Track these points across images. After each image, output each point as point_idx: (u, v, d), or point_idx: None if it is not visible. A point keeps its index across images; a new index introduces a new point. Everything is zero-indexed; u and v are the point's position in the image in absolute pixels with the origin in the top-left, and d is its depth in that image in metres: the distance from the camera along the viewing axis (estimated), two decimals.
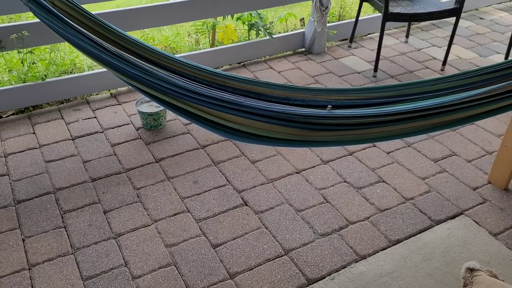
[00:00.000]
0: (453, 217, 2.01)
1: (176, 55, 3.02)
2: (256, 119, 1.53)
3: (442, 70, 3.24)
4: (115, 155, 2.35)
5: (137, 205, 2.04)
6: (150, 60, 1.73)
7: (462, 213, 2.03)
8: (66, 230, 1.91)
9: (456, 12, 3.02)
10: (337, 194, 2.12)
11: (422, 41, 3.68)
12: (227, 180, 2.19)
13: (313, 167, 2.29)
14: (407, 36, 3.68)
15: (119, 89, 2.90)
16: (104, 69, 2.85)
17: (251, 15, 3.25)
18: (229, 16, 3.15)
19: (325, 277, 1.73)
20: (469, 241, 1.88)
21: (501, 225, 1.96)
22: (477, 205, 2.07)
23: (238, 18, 3.29)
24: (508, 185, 2.17)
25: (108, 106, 2.75)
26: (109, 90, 2.88)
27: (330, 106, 1.60)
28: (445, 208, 2.05)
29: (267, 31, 3.15)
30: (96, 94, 2.86)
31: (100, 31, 1.73)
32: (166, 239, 1.88)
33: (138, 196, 2.09)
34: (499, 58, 3.39)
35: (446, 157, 2.37)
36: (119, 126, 2.57)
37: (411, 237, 1.90)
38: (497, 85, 1.40)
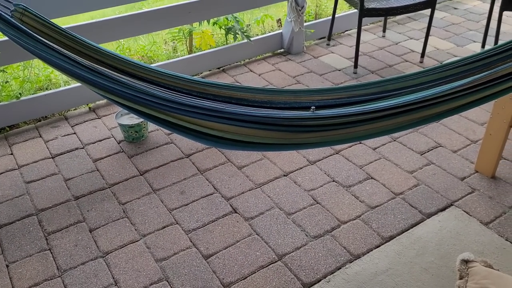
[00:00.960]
0: (444, 209, 2.00)
1: (153, 64, 2.98)
2: (239, 125, 1.49)
3: (421, 62, 3.25)
4: (97, 170, 2.29)
5: (124, 220, 1.99)
6: (126, 72, 1.69)
7: (452, 205, 2.02)
8: (51, 252, 1.85)
9: (430, 3, 3.04)
10: (326, 194, 2.10)
11: (399, 34, 3.70)
12: (215, 188, 2.15)
13: (301, 168, 2.26)
14: (384, 31, 3.69)
15: (97, 102, 2.84)
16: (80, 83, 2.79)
17: (227, 19, 3.22)
18: (205, 21, 3.11)
19: (320, 280, 1.70)
20: (461, 232, 1.87)
21: (492, 214, 1.96)
22: (466, 195, 2.06)
23: (214, 23, 3.25)
24: (495, 173, 2.17)
25: (87, 121, 2.68)
26: (87, 104, 2.82)
27: (314, 107, 1.57)
28: (435, 200, 2.04)
29: (245, 34, 3.12)
30: (74, 109, 2.79)
31: (72, 45, 1.68)
32: (156, 253, 1.83)
33: (124, 212, 2.04)
34: (476, 47, 3.42)
35: (432, 149, 2.37)
36: (100, 141, 2.51)
37: (403, 232, 1.89)
38: (479, 75, 1.40)
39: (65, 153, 2.42)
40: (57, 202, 2.09)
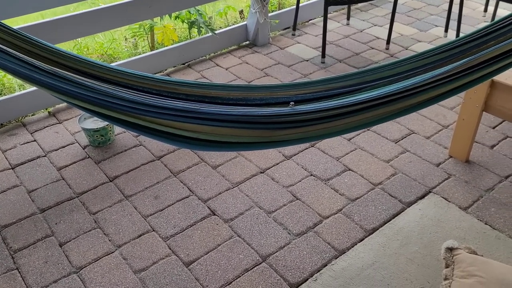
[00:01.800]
0: (422, 196, 2.00)
1: (115, 63, 2.84)
2: (214, 124, 1.42)
3: (387, 49, 3.25)
4: (63, 179, 2.15)
5: (96, 231, 1.88)
6: (89, 74, 1.57)
7: (430, 192, 2.02)
8: (19, 272, 1.72)
9: None
10: (305, 189, 2.06)
11: (363, 21, 3.69)
12: (190, 191, 2.07)
13: (277, 164, 2.21)
14: (348, 18, 3.67)
15: (57, 106, 2.68)
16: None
17: (190, 12, 3.10)
18: (167, 16, 2.99)
19: (307, 279, 1.66)
20: (442, 219, 1.87)
21: (469, 198, 1.98)
22: (443, 181, 2.07)
23: (176, 17, 3.13)
24: (469, 157, 2.19)
25: (47, 127, 2.52)
26: (46, 109, 2.65)
27: (293, 102, 1.52)
28: (413, 188, 2.04)
29: (209, 27, 3.02)
30: (32, 115, 2.63)
31: (28, 48, 1.55)
32: (134, 264, 1.74)
33: (95, 222, 1.92)
34: (439, 31, 3.46)
35: (405, 137, 2.37)
36: (63, 147, 2.37)
37: (385, 223, 1.88)
38: (458, 63, 1.37)
39: (26, 163, 2.26)
40: (22, 216, 1.96)
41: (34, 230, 1.89)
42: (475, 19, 3.64)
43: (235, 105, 1.58)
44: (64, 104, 2.69)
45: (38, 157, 2.30)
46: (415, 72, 1.52)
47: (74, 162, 2.26)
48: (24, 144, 2.39)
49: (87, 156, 2.30)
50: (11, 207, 2.00)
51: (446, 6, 3.90)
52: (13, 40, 1.52)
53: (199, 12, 3.07)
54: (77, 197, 2.05)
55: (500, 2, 3.46)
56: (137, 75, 1.57)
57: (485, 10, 3.68)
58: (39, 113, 2.64)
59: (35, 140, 2.42)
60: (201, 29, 3.01)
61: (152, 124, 1.41)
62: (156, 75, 1.54)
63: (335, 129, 1.45)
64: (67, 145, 2.38)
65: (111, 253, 1.79)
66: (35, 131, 2.49)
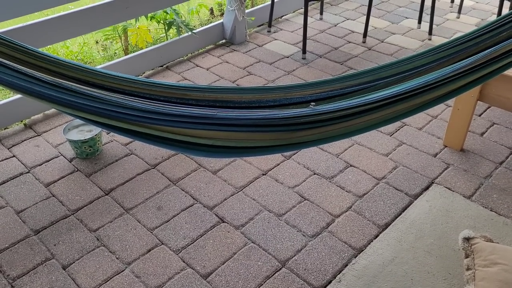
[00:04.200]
0: (426, 188, 2.03)
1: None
2: (231, 130, 1.37)
3: (364, 42, 3.28)
4: (53, 196, 2.01)
5: (101, 250, 1.76)
6: (93, 83, 1.47)
7: (433, 182, 2.05)
8: None
9: None
10: (311, 189, 2.03)
11: (335, 16, 3.71)
12: (194, 198, 1.99)
13: (278, 165, 2.17)
14: (321, 13, 3.68)
15: (33, 117, 2.50)
16: (12, 98, 2.44)
17: (166, 12, 2.99)
18: (142, 16, 2.86)
19: (331, 281, 1.64)
20: (450, 209, 1.90)
21: (471, 187, 2.02)
22: (443, 172, 2.11)
23: (151, 18, 3.01)
24: (463, 145, 2.24)
25: (26, 140, 2.35)
26: (22, 121, 2.47)
27: (313, 103, 1.49)
28: (417, 180, 2.06)
29: (188, 27, 2.93)
30: (6, 128, 2.43)
31: (25, 58, 1.43)
32: (148, 282, 1.64)
33: (98, 239, 1.81)
34: (411, 23, 3.53)
35: (399, 129, 2.40)
36: (47, 161, 2.21)
37: (397, 217, 1.88)
38: (478, 56, 1.39)
39: (8, 181, 2.09)
40: (14, 240, 1.80)
41: (32, 254, 1.75)
42: (442, 9, 3.75)
43: (248, 108, 1.53)
44: (40, 115, 2.52)
45: (21, 173, 2.14)
46: (430, 66, 1.52)
47: (63, 177, 2.11)
48: (2, 160, 2.21)
49: (76, 169, 2.16)
50: (0, 231, 1.84)
51: None
52: (7, 50, 1.39)
53: (176, 11, 2.96)
54: (73, 214, 1.92)
55: None
56: (144, 82, 1.48)
57: (452, 1, 3.80)
58: (13, 126, 2.45)
59: (14, 156, 2.24)
60: (180, 29, 2.91)
61: (165, 133, 1.34)
62: (163, 81, 1.45)
63: (355, 127, 1.43)
64: (51, 159, 2.22)
65: (122, 271, 1.68)
66: (13, 145, 2.31)
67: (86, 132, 2.21)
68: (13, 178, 2.11)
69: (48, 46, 3.05)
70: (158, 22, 3.05)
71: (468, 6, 3.77)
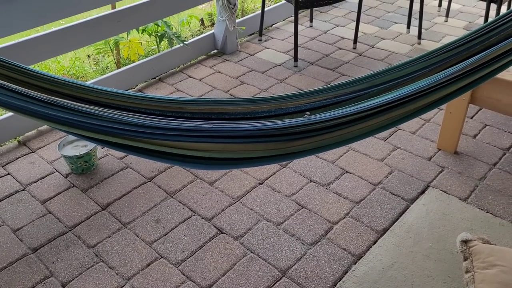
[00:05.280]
0: (422, 191, 2.04)
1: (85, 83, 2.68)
2: (227, 141, 1.37)
3: (354, 48, 3.31)
4: (50, 213, 2.00)
5: (100, 266, 1.76)
6: (88, 100, 1.47)
7: (428, 186, 2.07)
8: None
9: None
10: (309, 196, 2.04)
11: (325, 23, 3.74)
12: (191, 210, 1.99)
13: (274, 173, 2.18)
14: (311, 21, 3.71)
15: (26, 134, 2.49)
16: (5, 115, 2.43)
17: (157, 25, 3.00)
18: (133, 30, 2.87)
19: None
20: (447, 212, 1.92)
21: (466, 189, 2.04)
22: (438, 175, 2.13)
23: (143, 30, 3.01)
24: (457, 148, 2.26)
25: (20, 157, 2.34)
26: (16, 138, 2.46)
27: (308, 112, 1.50)
28: (412, 184, 2.08)
29: (179, 38, 2.94)
30: (1, 146, 2.42)
31: (18, 77, 1.43)
32: None
33: (97, 255, 1.80)
34: (401, 28, 3.56)
35: (392, 134, 2.42)
36: (43, 178, 2.20)
37: (394, 222, 1.89)
38: (468, 61, 1.41)
39: (3, 199, 2.08)
40: (12, 259, 1.79)
41: (30, 272, 1.74)
42: (430, 14, 3.79)
43: (244, 119, 1.54)
44: (34, 132, 2.51)
45: (17, 191, 2.12)
46: (422, 72, 1.54)
47: (59, 193, 2.10)
48: None
49: (72, 185, 2.15)
50: None
51: (401, 2, 4.04)
52: (1, 70, 1.39)
53: (167, 23, 2.97)
54: (70, 230, 1.91)
55: None
56: (138, 96, 1.49)
57: (439, 5, 3.85)
58: (7, 143, 2.44)
59: (9, 174, 2.23)
60: (171, 41, 2.92)
61: (161, 147, 1.34)
62: (158, 95, 1.46)
63: (351, 135, 1.44)
64: (46, 176, 2.21)
65: (122, 287, 1.67)
66: (7, 163, 2.30)
67: (81, 147, 2.21)
68: (9, 196, 2.10)
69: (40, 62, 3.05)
70: (150, 34, 3.05)
71: (455, 10, 3.82)
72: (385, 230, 1.86)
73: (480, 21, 3.64)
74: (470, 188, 2.05)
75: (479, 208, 1.94)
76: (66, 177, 2.20)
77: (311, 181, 2.12)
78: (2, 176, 2.22)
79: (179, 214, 1.97)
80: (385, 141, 2.37)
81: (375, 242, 1.81)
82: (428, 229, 1.84)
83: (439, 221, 1.88)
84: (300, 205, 2.00)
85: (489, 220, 1.87)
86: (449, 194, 2.02)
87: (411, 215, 1.92)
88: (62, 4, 2.09)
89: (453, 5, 3.80)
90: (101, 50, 3.00)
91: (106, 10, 2.74)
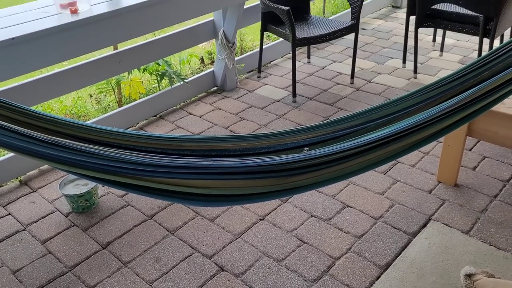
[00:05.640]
0: (424, 225, 2.03)
1: (88, 122, 2.72)
2: (227, 178, 1.39)
3: (352, 83, 3.37)
4: (50, 253, 1.99)
5: None
6: (89, 139, 1.49)
7: (430, 219, 2.06)
8: None
9: (354, 27, 3.18)
10: (310, 232, 2.03)
11: (322, 59, 3.81)
12: (192, 248, 1.98)
13: (275, 209, 2.17)
14: (308, 57, 3.79)
15: (28, 174, 2.50)
16: (7, 156, 2.45)
17: (158, 64, 3.07)
18: (134, 69, 2.93)
19: None
20: (449, 246, 1.90)
21: (468, 221, 2.03)
22: (439, 208, 2.12)
23: (144, 70, 3.08)
24: (457, 180, 2.27)
25: (21, 197, 2.34)
26: (17, 178, 2.47)
27: (307, 148, 1.51)
28: (414, 218, 2.07)
29: (180, 77, 2.99)
30: (2, 186, 2.43)
31: (21, 119, 1.45)
32: None
33: None
34: (396, 63, 3.64)
35: (392, 167, 2.43)
36: (43, 217, 2.20)
37: (397, 257, 1.88)
38: (462, 95, 1.43)
39: (4, 240, 2.07)
40: None
41: None
42: (425, 48, 3.87)
43: (243, 155, 1.55)
44: (36, 171, 2.52)
45: (17, 231, 2.12)
46: (418, 106, 1.56)
47: (59, 233, 2.10)
48: None
49: (72, 224, 2.14)
50: None
51: (395, 38, 4.14)
52: (4, 111, 1.42)
53: (167, 62, 3.04)
54: (70, 270, 1.89)
55: (447, 32, 3.72)
56: (139, 135, 1.51)
57: (434, 40, 3.94)
58: (9, 183, 2.45)
59: (10, 214, 2.23)
60: (172, 79, 2.98)
61: (162, 185, 1.35)
62: (158, 133, 1.48)
63: (350, 169, 1.45)
64: (47, 215, 2.21)
65: None
66: (8, 203, 2.30)
67: (82, 186, 2.21)
68: (9, 237, 2.09)
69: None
70: (151, 73, 3.12)
71: (449, 44, 3.91)
72: (388, 265, 1.84)
73: (474, 55, 3.72)
74: (472, 220, 2.04)
75: (482, 241, 1.92)
76: (66, 216, 2.20)
77: (312, 216, 2.12)
78: (2, 217, 2.21)
79: (180, 252, 1.96)
80: (385, 174, 2.38)
81: (378, 278, 1.79)
82: (431, 263, 1.82)
83: (442, 254, 1.86)
84: (301, 240, 1.98)
85: (492, 253, 1.85)
86: (451, 227, 2.01)
87: (414, 249, 1.90)
88: (65, 46, 2.15)
89: (447, 40, 3.88)
90: (103, 90, 3.05)
91: (108, 51, 2.81)
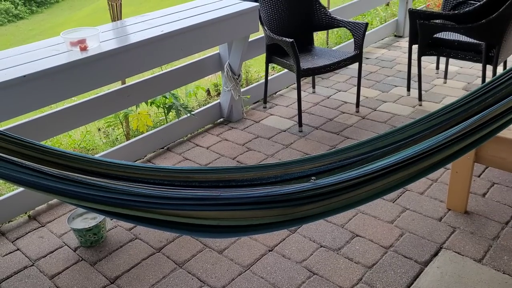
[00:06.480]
0: (436, 254, 2.00)
1: (97, 155, 2.75)
2: (235, 209, 1.39)
3: (357, 112, 3.39)
4: None
5: None
6: (98, 173, 1.51)
7: (441, 248, 2.03)
8: None
9: (357, 57, 3.22)
10: (320, 262, 2.00)
11: (327, 88, 3.85)
12: (201, 281, 1.95)
13: (284, 239, 2.16)
14: (313, 87, 3.83)
15: (37, 208, 2.51)
16: (16, 191, 2.46)
17: (165, 97, 3.11)
18: (141, 103, 2.98)
19: None
20: (462, 275, 1.87)
21: (480, 249, 2.00)
22: (450, 235, 2.09)
23: (151, 103, 3.13)
24: (467, 207, 2.24)
25: (30, 232, 2.34)
26: (26, 213, 2.48)
27: (314, 177, 1.52)
28: (425, 246, 2.04)
29: (186, 109, 3.03)
30: (10, 221, 2.44)
31: (30, 154, 1.47)
32: None
33: None
34: (401, 91, 3.66)
35: (400, 195, 2.41)
36: (52, 252, 2.19)
37: (409, 287, 1.84)
38: (467, 122, 1.44)
39: (12, 276, 2.06)
40: None
41: None
42: (429, 76, 3.91)
43: (251, 186, 1.56)
44: (44, 206, 2.53)
45: (25, 267, 2.11)
46: (424, 134, 1.57)
47: (67, 268, 2.09)
48: (6, 255, 2.19)
49: (80, 258, 2.14)
50: None
51: (399, 67, 4.18)
52: (14, 147, 1.44)
53: (174, 95, 3.09)
54: None
55: (450, 60, 3.75)
56: (147, 168, 1.53)
57: (437, 67, 3.97)
58: (17, 218, 2.45)
59: (18, 249, 2.23)
60: (179, 111, 3.01)
61: (170, 217, 1.36)
62: (167, 165, 1.50)
63: (357, 198, 1.45)
64: (55, 250, 2.20)
65: None
66: (17, 238, 2.30)
67: (90, 219, 2.22)
68: (17, 273, 2.08)
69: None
70: (158, 106, 3.16)
71: (453, 71, 3.94)
72: None
73: (478, 82, 3.74)
74: (484, 248, 2.00)
75: (495, 269, 1.88)
76: (75, 251, 2.19)
77: (321, 246, 2.09)
78: (11, 252, 2.21)
79: (189, 286, 1.93)
80: (393, 202, 2.36)
81: None
82: None
83: (455, 284, 1.82)
84: (311, 271, 1.96)
85: (506, 282, 1.82)
86: (463, 255, 1.97)
87: (426, 278, 1.87)
88: (75, 82, 2.20)
89: (450, 67, 3.92)
90: (111, 123, 3.10)
91: (116, 85, 2.86)
